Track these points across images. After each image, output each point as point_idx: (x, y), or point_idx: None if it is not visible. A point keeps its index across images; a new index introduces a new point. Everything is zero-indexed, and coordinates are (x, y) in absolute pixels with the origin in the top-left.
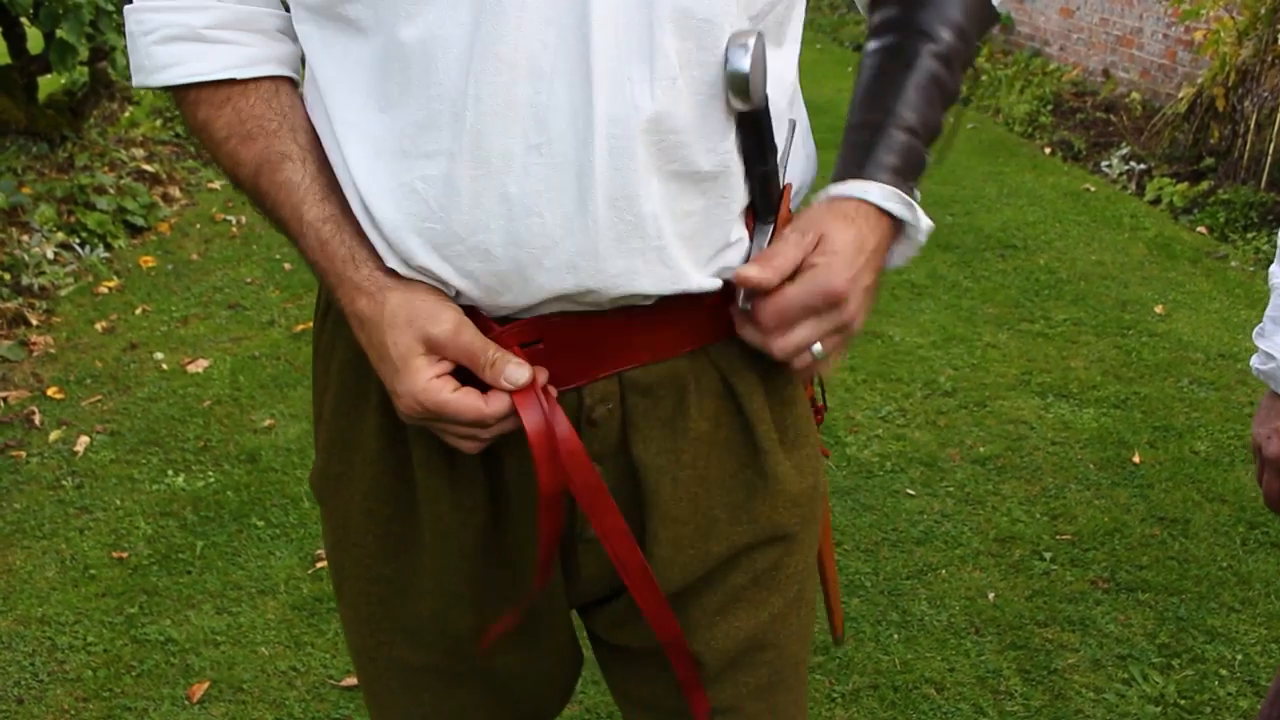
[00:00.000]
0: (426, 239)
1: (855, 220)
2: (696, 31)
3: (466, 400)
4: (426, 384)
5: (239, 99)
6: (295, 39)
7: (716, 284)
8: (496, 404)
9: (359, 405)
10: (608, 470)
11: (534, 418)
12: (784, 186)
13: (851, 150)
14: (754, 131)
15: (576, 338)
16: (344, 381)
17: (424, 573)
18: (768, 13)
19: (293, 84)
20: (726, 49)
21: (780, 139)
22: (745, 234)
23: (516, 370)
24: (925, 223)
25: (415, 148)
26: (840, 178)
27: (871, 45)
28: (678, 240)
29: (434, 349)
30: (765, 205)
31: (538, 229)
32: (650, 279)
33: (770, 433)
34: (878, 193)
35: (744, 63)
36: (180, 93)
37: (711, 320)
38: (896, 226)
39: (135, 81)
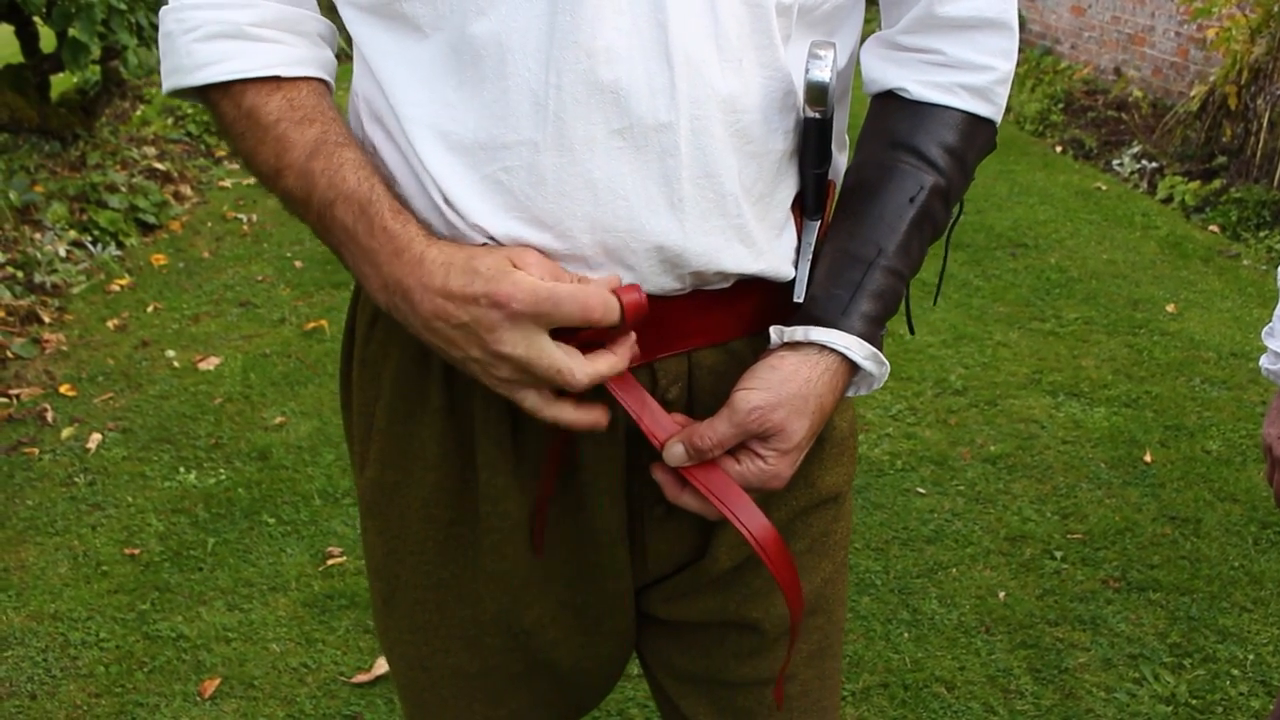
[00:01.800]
0: (514, 227)
1: (819, 398)
2: (751, 15)
3: (580, 290)
4: (540, 277)
5: (290, 89)
6: (332, 47)
7: (790, 272)
8: (609, 303)
9: (416, 412)
10: None
11: (632, 295)
12: (829, 182)
13: (835, 282)
14: (818, 136)
15: (647, 319)
16: (399, 389)
17: (484, 575)
18: (820, 4)
19: (331, 91)
20: (807, 59)
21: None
22: (794, 224)
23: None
24: (888, 372)
25: (494, 139)
26: (820, 311)
27: (873, 156)
28: (754, 219)
29: (522, 264)
30: (816, 203)
31: (624, 212)
32: (731, 257)
33: None
34: (859, 350)
35: (824, 74)
36: (218, 91)
37: (775, 303)
38: (857, 370)
39: (168, 85)
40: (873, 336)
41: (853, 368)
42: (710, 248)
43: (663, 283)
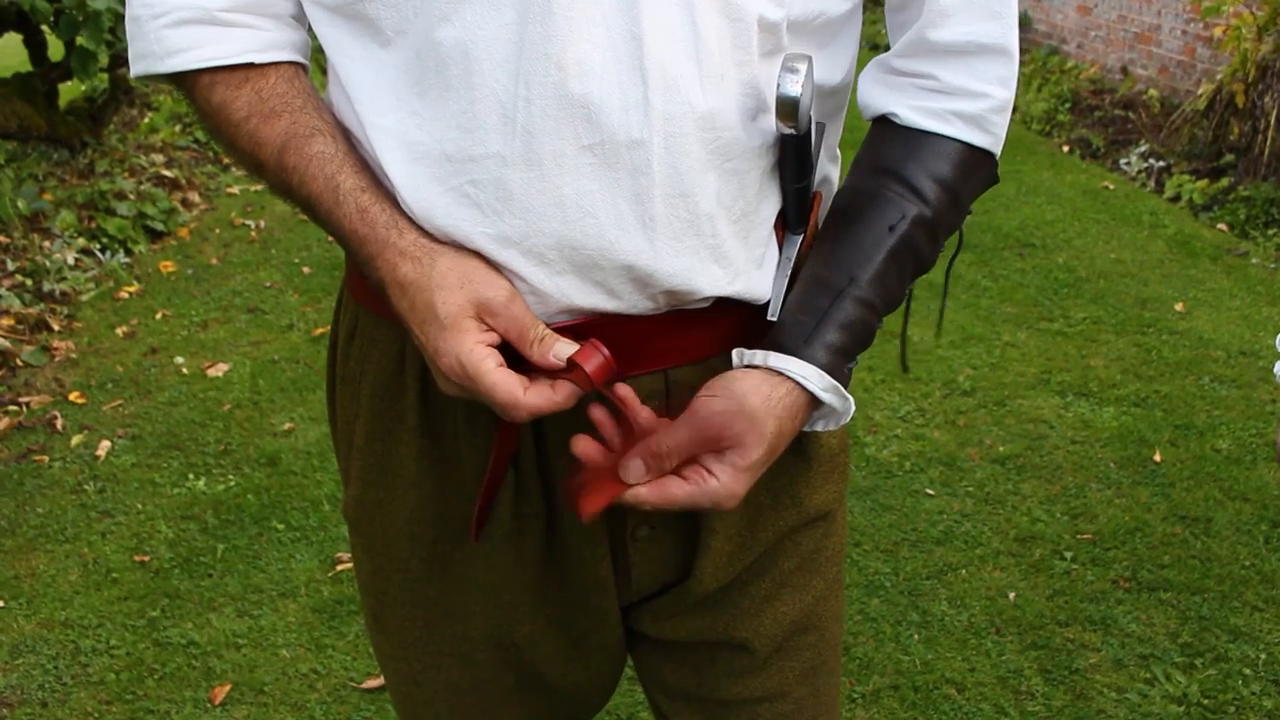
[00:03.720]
0: (479, 243)
1: (777, 419)
2: (732, 29)
3: (505, 380)
4: (474, 346)
5: (258, 79)
6: (306, 26)
7: (769, 293)
8: (535, 398)
9: (393, 430)
10: None
11: (595, 361)
12: (814, 195)
13: (802, 308)
14: (795, 151)
15: (620, 338)
16: (376, 408)
17: (475, 589)
18: (813, 19)
19: (307, 71)
20: (779, 73)
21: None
22: (775, 242)
23: (565, 347)
24: (852, 409)
25: (460, 151)
26: (784, 337)
27: (860, 182)
28: (731, 239)
29: (485, 313)
30: (798, 217)
31: (593, 230)
32: (705, 278)
33: None
34: (817, 381)
35: (794, 88)
36: (190, 78)
37: (756, 322)
38: (820, 403)
39: (137, 70)
40: (836, 369)
41: (814, 400)
42: (682, 268)
43: (636, 302)
